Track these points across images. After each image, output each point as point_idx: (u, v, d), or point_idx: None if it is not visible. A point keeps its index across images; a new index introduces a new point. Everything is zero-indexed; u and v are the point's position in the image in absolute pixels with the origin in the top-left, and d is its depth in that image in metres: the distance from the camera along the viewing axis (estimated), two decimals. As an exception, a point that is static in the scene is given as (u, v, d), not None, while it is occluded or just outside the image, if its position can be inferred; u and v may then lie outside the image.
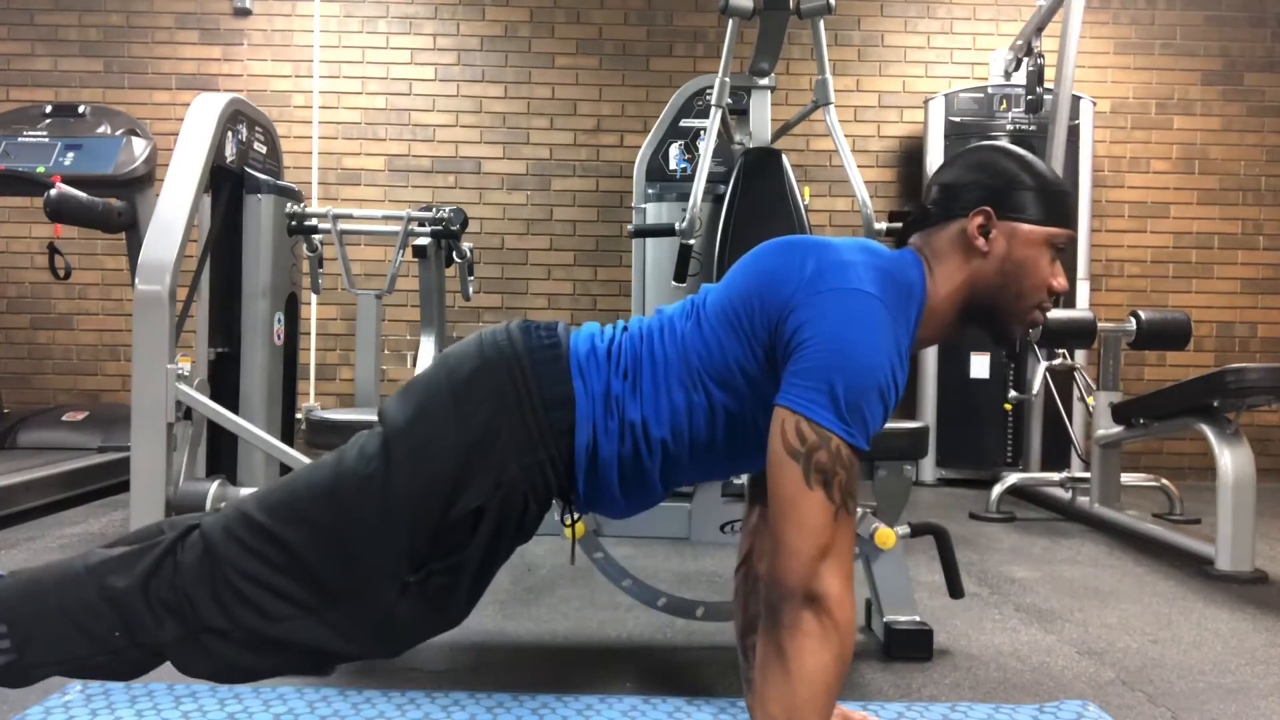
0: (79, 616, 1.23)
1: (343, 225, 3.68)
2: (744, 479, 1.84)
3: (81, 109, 4.26)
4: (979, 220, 1.27)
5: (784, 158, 2.95)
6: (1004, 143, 1.36)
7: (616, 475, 1.27)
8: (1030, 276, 1.29)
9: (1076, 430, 4.36)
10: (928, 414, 4.88)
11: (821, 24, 2.74)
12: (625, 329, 1.34)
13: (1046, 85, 4.43)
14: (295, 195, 3.89)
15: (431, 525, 1.21)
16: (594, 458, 1.25)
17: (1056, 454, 4.41)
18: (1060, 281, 1.31)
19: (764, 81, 3.06)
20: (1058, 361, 4.07)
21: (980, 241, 1.27)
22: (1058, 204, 1.30)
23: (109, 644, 1.23)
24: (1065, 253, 1.31)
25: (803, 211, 2.88)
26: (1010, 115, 4.82)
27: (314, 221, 3.59)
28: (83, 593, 1.24)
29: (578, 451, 1.25)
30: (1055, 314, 3.79)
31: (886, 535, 2.03)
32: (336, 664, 1.35)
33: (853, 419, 1.15)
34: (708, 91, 3.24)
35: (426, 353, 3.97)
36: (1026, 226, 1.27)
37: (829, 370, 1.15)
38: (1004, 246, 1.28)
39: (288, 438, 3.82)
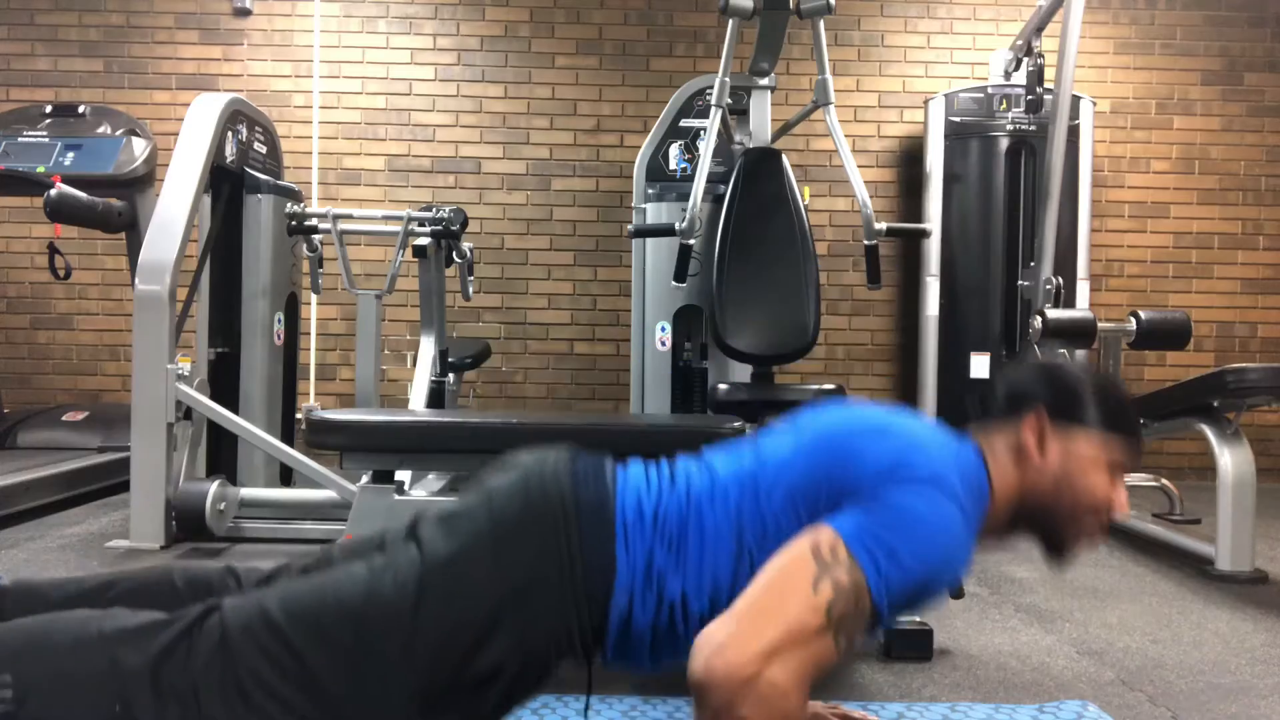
0: (84, 684, 1.19)
1: (343, 225, 3.68)
2: None
3: (81, 109, 4.26)
4: (1034, 425, 1.22)
5: (784, 158, 2.95)
6: (1079, 360, 1.33)
7: (649, 643, 1.22)
8: (1086, 493, 1.21)
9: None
10: (928, 414, 4.88)
11: (821, 24, 2.74)
12: (673, 482, 1.28)
13: (1046, 85, 4.43)
14: (295, 195, 3.89)
15: (449, 672, 1.18)
16: (627, 626, 1.21)
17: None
18: (1121, 500, 1.22)
19: (764, 81, 3.06)
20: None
21: (1035, 449, 1.21)
22: (1120, 415, 1.22)
23: (108, 717, 1.19)
24: (1127, 470, 1.23)
25: (803, 212, 2.88)
26: (1010, 115, 4.82)
27: (314, 221, 3.59)
28: (92, 661, 1.20)
29: (611, 620, 1.21)
30: (1055, 314, 3.79)
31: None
32: None
33: (891, 583, 1.09)
34: (708, 91, 3.24)
35: (426, 353, 3.97)
36: (1084, 437, 1.21)
37: (894, 530, 1.10)
38: (1060, 457, 1.21)
39: (288, 438, 3.82)
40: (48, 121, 4.19)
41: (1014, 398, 1.25)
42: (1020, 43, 4.74)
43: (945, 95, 4.95)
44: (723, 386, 2.72)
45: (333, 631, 1.20)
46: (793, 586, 1.09)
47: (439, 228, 3.67)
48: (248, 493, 3.19)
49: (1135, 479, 4.10)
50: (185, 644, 1.20)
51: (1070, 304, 4.60)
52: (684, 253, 2.75)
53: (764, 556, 1.16)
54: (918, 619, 2.09)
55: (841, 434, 1.24)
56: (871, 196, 2.73)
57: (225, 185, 3.63)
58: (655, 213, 4.18)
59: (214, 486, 3.01)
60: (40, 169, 3.94)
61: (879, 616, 1.10)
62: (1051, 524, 1.24)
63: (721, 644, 1.06)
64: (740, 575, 1.18)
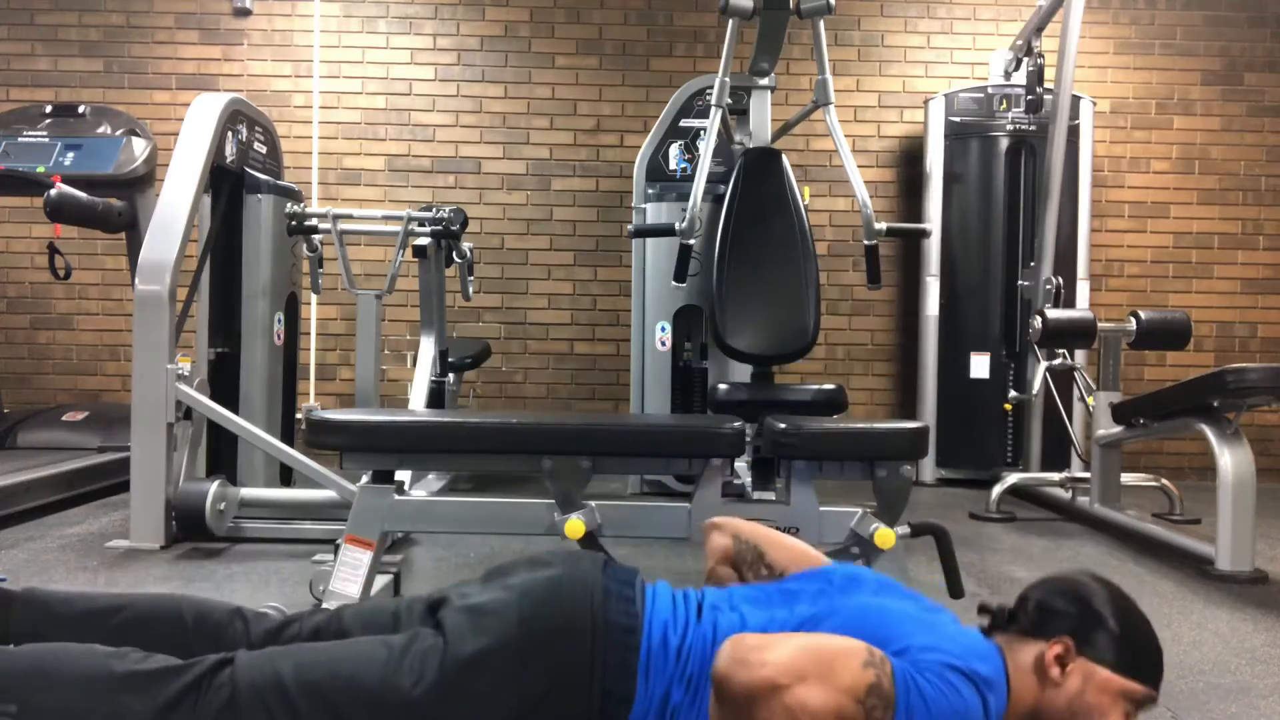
0: None
1: (343, 225, 3.68)
2: None
3: (81, 109, 4.26)
4: (1058, 650, 1.23)
5: (784, 158, 2.95)
6: (1113, 584, 1.34)
7: None
8: None
9: (1076, 430, 4.36)
10: (928, 414, 4.88)
11: (821, 24, 2.74)
12: (700, 618, 1.28)
13: (1046, 85, 4.43)
14: (295, 195, 3.89)
15: None
16: None
17: (1056, 454, 4.41)
18: None
19: (764, 81, 3.06)
20: (1058, 362, 4.07)
21: (1055, 672, 1.22)
22: (1144, 658, 1.24)
23: None
24: (1139, 713, 1.24)
25: (803, 212, 2.88)
26: (1010, 115, 4.82)
27: (314, 221, 3.59)
28: (98, 701, 1.20)
29: None
30: (1055, 313, 3.79)
31: (886, 535, 2.03)
32: None
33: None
34: (708, 91, 3.24)
35: (426, 353, 3.97)
36: (1105, 672, 1.22)
37: (930, 685, 1.11)
38: (1078, 685, 1.22)
39: (288, 438, 3.82)
40: (48, 121, 4.19)
41: (1046, 616, 1.27)
42: (1020, 43, 4.75)
43: (945, 95, 4.95)
44: (723, 386, 2.71)
45: (344, 710, 1.20)
46: (845, 657, 1.09)
47: (439, 228, 3.67)
48: (248, 493, 3.19)
49: (1135, 479, 4.10)
50: (193, 697, 1.21)
51: (1070, 304, 4.60)
52: (684, 253, 2.74)
53: None
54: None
55: (883, 608, 1.26)
56: (871, 196, 2.73)
57: (225, 185, 3.62)
58: (655, 213, 4.19)
59: (214, 486, 3.01)
60: (40, 169, 3.94)
61: None
62: None
63: (759, 656, 1.06)
64: None
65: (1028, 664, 1.24)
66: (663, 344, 4.15)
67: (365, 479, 2.12)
